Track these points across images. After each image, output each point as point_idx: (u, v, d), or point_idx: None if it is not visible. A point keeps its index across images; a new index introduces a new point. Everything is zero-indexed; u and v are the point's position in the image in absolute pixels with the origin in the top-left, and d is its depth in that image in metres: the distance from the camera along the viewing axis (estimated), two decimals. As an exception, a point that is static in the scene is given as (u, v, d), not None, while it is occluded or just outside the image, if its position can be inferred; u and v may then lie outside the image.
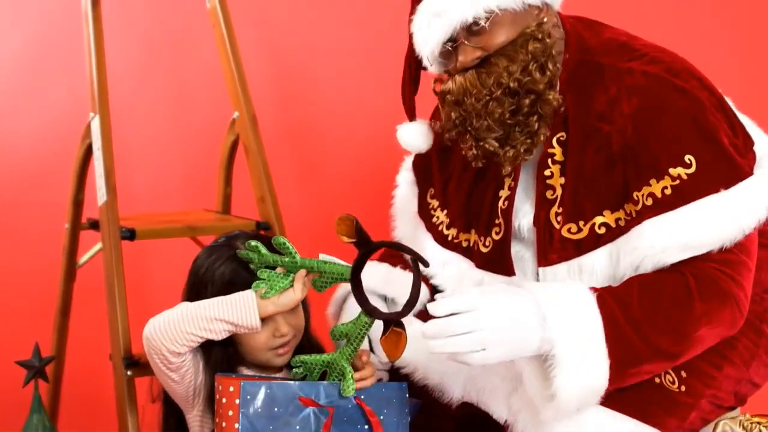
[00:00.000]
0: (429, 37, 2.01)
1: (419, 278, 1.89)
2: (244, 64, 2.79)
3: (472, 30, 1.97)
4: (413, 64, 2.10)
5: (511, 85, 1.97)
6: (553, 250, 2.03)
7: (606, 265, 1.99)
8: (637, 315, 1.89)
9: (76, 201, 2.80)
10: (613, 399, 1.92)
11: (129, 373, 2.48)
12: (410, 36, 2.07)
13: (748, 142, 2.01)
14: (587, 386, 1.86)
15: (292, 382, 1.88)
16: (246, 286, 1.93)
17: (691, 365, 1.99)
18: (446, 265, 2.21)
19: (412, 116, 2.16)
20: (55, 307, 2.88)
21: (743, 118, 2.07)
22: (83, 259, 2.83)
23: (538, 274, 2.06)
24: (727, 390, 2.04)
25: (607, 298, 1.90)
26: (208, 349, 1.96)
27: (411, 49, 2.09)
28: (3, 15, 3.22)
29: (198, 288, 2.01)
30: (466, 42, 1.99)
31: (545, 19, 2.00)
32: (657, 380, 1.97)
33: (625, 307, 1.89)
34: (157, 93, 3.24)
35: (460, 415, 2.11)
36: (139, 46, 3.24)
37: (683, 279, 1.92)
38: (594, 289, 1.92)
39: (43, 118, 3.23)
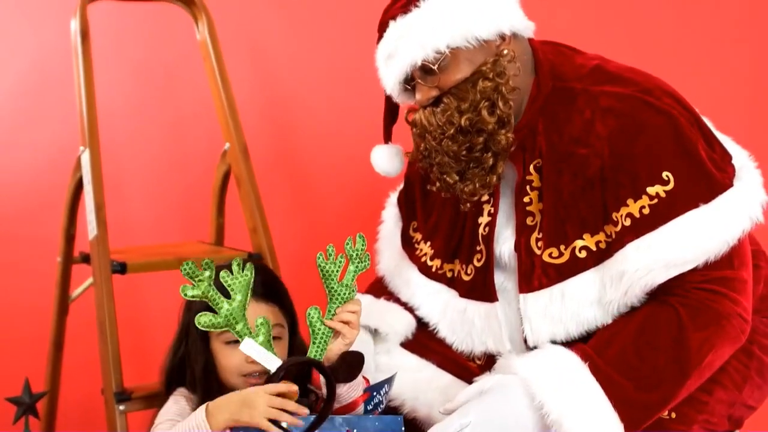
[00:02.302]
0: (386, 76, 2.06)
1: (331, 391, 1.85)
2: (235, 94, 2.80)
3: (426, 69, 1.98)
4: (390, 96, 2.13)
5: (462, 124, 1.98)
6: (534, 276, 2.02)
7: (591, 290, 1.98)
8: (634, 369, 1.88)
9: (67, 235, 2.81)
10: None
11: (121, 407, 2.46)
12: None
13: (726, 156, 2.00)
14: None
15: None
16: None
17: None
18: (430, 296, 2.21)
19: (387, 140, 2.20)
20: (49, 341, 2.87)
21: (721, 136, 2.06)
22: (76, 292, 2.82)
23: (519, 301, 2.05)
24: (720, 414, 2.03)
25: (598, 362, 1.89)
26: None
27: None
28: (-2, 49, 3.24)
29: (189, 304, 2.01)
30: (421, 81, 2.00)
31: (505, 52, 2.00)
32: (648, 408, 1.95)
33: (620, 365, 1.88)
34: (149, 124, 3.25)
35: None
36: (131, 78, 3.24)
37: (674, 313, 1.91)
38: (582, 353, 1.90)
39: (37, 152, 3.23)
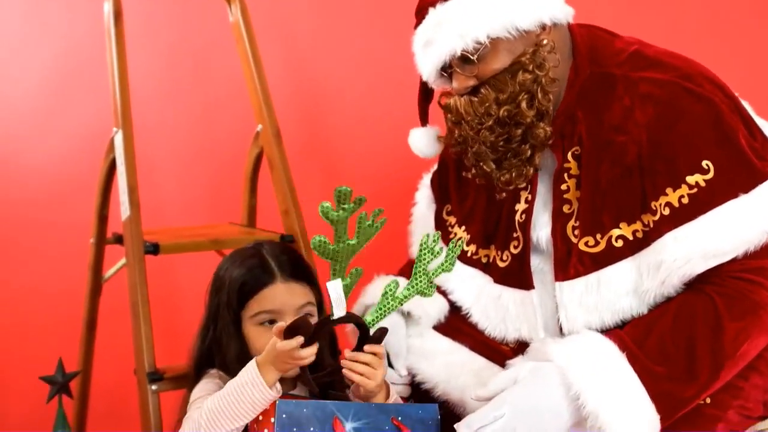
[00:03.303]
0: (423, 64, 2.04)
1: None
2: (267, 77, 2.80)
3: (464, 59, 1.97)
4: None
5: (501, 115, 1.97)
6: (570, 264, 2.01)
7: (627, 279, 1.97)
8: (671, 359, 1.86)
9: (100, 216, 2.82)
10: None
11: (153, 387, 2.47)
12: None
13: (766, 143, 1.98)
14: None
15: (328, 401, 1.86)
16: (258, 286, 1.96)
17: None
18: (465, 281, 2.20)
19: (424, 122, 2.18)
20: (82, 321, 2.89)
21: (761, 122, 2.04)
22: (108, 273, 2.83)
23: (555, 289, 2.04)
24: (756, 400, 2.01)
25: (636, 351, 1.87)
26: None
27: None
28: (30, 33, 3.25)
29: (217, 286, 2.03)
30: (459, 70, 1.99)
31: (545, 42, 1.99)
32: (682, 393, 1.94)
33: (657, 355, 1.87)
34: (182, 107, 3.25)
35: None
36: (163, 61, 3.25)
37: (710, 303, 1.89)
38: (619, 342, 1.88)
39: (70, 135, 3.25)
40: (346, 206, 1.77)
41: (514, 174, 2.01)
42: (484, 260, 2.18)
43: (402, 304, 1.94)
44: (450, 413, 2.01)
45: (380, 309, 1.93)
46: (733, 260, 1.91)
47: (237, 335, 1.98)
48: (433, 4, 2.01)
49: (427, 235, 1.93)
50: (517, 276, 2.10)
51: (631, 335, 1.90)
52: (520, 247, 2.09)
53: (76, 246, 3.08)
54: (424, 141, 2.17)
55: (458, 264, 2.20)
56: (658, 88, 1.97)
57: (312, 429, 1.82)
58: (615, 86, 2.01)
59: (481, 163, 2.03)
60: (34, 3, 3.24)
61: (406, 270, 2.33)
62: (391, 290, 1.93)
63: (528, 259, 2.08)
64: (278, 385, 1.84)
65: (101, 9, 2.67)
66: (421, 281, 1.94)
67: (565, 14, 2.04)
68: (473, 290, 2.19)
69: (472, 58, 1.96)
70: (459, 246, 1.98)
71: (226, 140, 3.21)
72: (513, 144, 2.00)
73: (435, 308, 2.22)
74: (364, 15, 3.16)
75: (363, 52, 3.14)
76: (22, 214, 3.26)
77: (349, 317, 1.89)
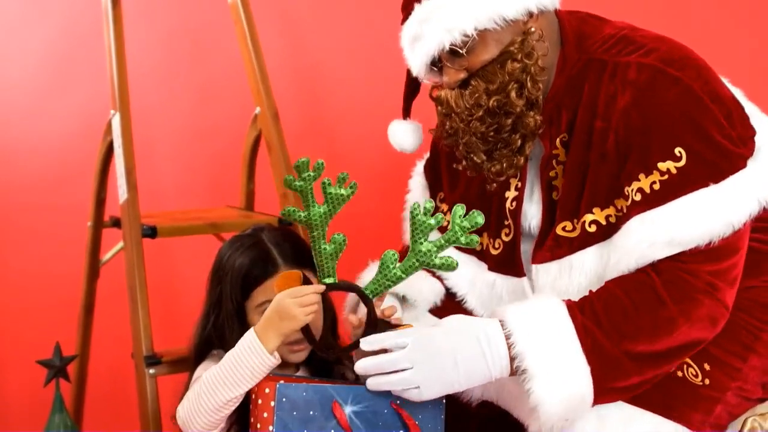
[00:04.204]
0: (413, 58, 2.02)
1: (371, 310, 1.90)
2: (265, 59, 2.79)
3: (453, 52, 1.96)
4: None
5: (490, 105, 1.95)
6: (546, 247, 2.01)
7: (596, 264, 1.96)
8: (608, 324, 1.86)
9: (98, 199, 2.81)
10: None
11: (151, 371, 2.47)
12: None
13: (746, 132, 1.95)
14: (569, 396, 1.83)
15: (327, 385, 1.86)
16: (262, 276, 1.96)
17: (715, 357, 1.95)
18: (459, 267, 2.20)
19: (406, 115, 2.17)
20: (79, 305, 2.88)
21: (750, 107, 2.02)
22: (106, 257, 2.83)
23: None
24: (754, 382, 1.99)
25: (575, 311, 1.88)
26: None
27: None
28: (28, 15, 3.23)
29: (219, 275, 2.03)
30: (449, 64, 1.98)
31: (533, 30, 1.97)
32: (679, 374, 1.93)
33: (596, 318, 1.87)
34: (179, 89, 3.24)
35: (480, 414, 2.09)
36: (161, 43, 3.24)
37: (650, 281, 1.89)
38: (567, 302, 1.90)
39: (68, 117, 3.24)
40: (305, 175, 1.85)
41: (504, 164, 2.00)
42: (477, 247, 2.17)
43: (405, 275, 1.92)
44: (449, 397, 2.00)
45: (377, 280, 1.92)
46: (683, 252, 1.89)
47: (240, 325, 1.98)
48: (419, 0, 2.00)
49: (417, 204, 1.91)
50: (509, 263, 2.10)
51: (578, 304, 1.91)
52: (511, 234, 2.09)
53: (73, 229, 3.07)
54: (403, 134, 2.16)
55: (452, 250, 2.20)
56: (637, 73, 1.95)
57: (312, 412, 1.82)
58: (602, 72, 1.99)
59: (472, 155, 2.01)
60: (31, -16, 3.24)
61: (402, 256, 2.32)
62: (389, 260, 1.91)
63: (519, 246, 2.08)
64: (277, 354, 1.84)
65: (98, -9, 2.66)
66: (423, 247, 1.90)
67: (552, 1, 2.03)
68: (467, 276, 2.18)
69: (461, 51, 1.95)
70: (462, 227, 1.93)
71: (224, 123, 3.21)
72: (503, 134, 1.98)
73: (431, 291, 2.21)
74: (362, -3, 3.15)
75: (362, 34, 3.13)
76: (19, 198, 3.26)
77: (349, 285, 1.92)
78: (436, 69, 2.02)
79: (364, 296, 1.90)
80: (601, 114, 1.97)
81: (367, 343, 1.85)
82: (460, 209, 1.87)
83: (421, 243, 1.88)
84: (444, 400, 1.92)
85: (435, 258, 1.88)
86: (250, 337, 1.84)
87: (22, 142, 3.25)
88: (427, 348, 1.84)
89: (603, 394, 1.86)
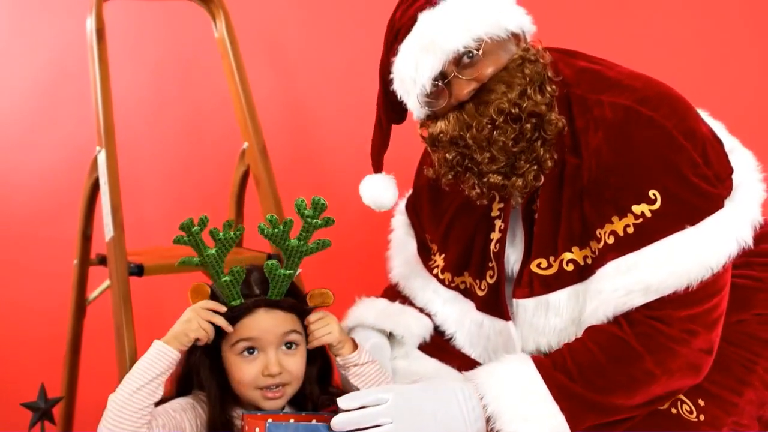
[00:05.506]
0: (418, 74, 1.95)
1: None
2: (253, 93, 2.77)
3: (462, 62, 1.92)
4: (384, 118, 2.07)
5: (512, 110, 1.91)
6: (524, 283, 2.00)
7: (572, 306, 1.95)
8: (582, 381, 1.86)
9: (84, 236, 2.79)
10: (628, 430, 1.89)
11: (138, 412, 2.42)
12: (382, 88, 2.05)
13: (724, 170, 1.93)
14: None
15: (319, 424, 1.84)
16: (239, 315, 1.94)
17: (709, 392, 1.94)
18: (447, 303, 2.18)
19: (378, 169, 2.13)
20: (66, 343, 2.85)
21: (731, 141, 2.00)
22: (93, 295, 2.80)
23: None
24: (750, 416, 1.99)
25: (549, 368, 1.88)
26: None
27: (380, 102, 2.06)
28: (13, 49, 3.22)
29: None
30: (459, 76, 1.93)
31: (530, 46, 1.97)
32: (673, 410, 1.93)
33: (569, 374, 1.87)
34: (167, 124, 3.23)
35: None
36: (149, 77, 3.23)
37: (623, 334, 1.87)
38: (540, 359, 1.91)
39: (53, 152, 3.22)
40: (194, 230, 1.94)
41: (529, 176, 1.94)
42: (461, 287, 2.15)
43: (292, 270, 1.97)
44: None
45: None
46: (667, 305, 1.87)
47: (214, 370, 1.96)
48: (422, 10, 1.96)
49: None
50: (494, 306, 2.08)
51: (550, 357, 1.91)
52: (495, 277, 2.06)
53: (60, 265, 3.04)
54: (384, 190, 2.11)
55: (440, 287, 2.18)
56: (610, 112, 1.93)
57: None
58: (572, 107, 1.97)
59: (486, 178, 1.95)
60: (18, 17, 3.22)
61: (389, 293, 2.30)
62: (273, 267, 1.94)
63: (503, 290, 2.06)
64: (175, 351, 1.89)
65: (85, 25, 2.64)
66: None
67: (529, 30, 2.01)
68: (455, 314, 2.17)
69: (477, 54, 1.91)
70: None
71: (211, 158, 3.20)
72: (524, 142, 1.92)
73: (419, 327, 2.20)
74: (350, 30, 3.15)
75: (349, 68, 3.13)
76: (5, 231, 3.22)
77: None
78: (435, 88, 1.97)
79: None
80: (573, 150, 1.95)
81: (346, 400, 1.83)
82: (300, 201, 1.96)
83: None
84: None
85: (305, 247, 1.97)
86: (157, 344, 1.89)
87: (7, 175, 3.22)
88: (409, 403, 1.83)
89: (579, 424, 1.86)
